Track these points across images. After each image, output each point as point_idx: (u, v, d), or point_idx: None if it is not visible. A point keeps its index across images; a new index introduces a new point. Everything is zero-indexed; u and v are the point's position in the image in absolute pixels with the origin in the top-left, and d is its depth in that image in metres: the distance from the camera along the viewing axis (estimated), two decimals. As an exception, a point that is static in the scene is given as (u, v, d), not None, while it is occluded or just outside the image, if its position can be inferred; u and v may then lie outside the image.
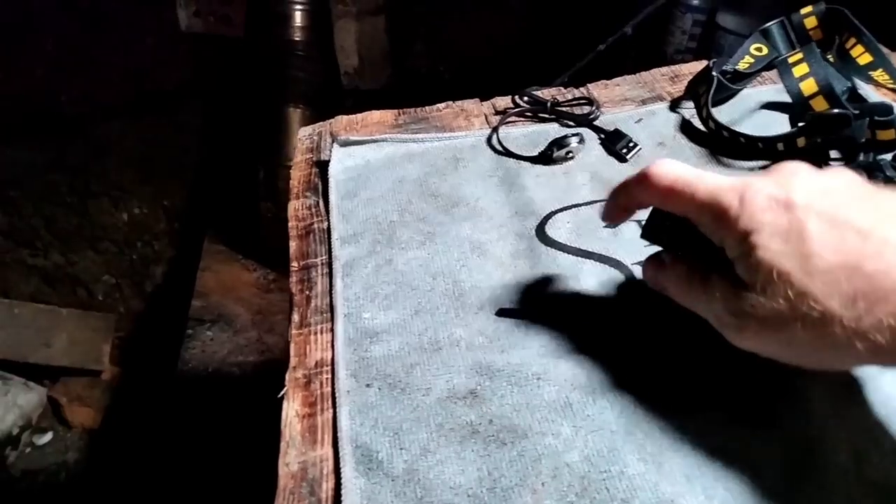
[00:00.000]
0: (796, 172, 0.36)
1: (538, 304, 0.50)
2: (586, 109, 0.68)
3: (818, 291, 0.32)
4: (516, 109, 0.69)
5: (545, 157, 0.62)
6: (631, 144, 0.63)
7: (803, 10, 0.70)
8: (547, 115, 0.68)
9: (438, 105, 0.73)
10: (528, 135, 0.66)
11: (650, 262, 0.45)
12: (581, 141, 0.62)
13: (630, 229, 0.55)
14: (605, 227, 0.55)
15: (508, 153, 0.64)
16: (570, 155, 0.62)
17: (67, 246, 1.95)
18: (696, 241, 0.39)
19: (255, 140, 1.60)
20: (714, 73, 0.64)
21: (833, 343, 0.32)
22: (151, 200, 1.87)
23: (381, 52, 1.63)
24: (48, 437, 1.96)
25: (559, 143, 0.61)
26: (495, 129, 0.66)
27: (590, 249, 0.53)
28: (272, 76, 1.55)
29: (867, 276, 0.31)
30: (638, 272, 0.50)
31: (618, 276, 0.51)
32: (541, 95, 0.70)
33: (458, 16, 1.59)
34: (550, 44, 1.54)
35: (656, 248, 0.45)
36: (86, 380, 2.00)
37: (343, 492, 0.39)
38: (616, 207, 0.45)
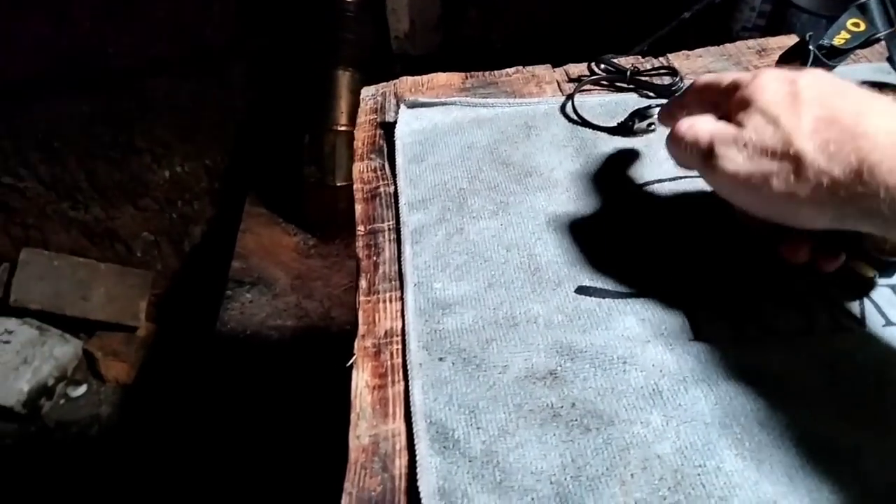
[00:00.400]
0: (808, 70, 0.41)
1: (621, 284, 0.47)
2: (667, 80, 0.64)
3: (799, 133, 0.37)
4: (592, 77, 0.65)
5: (625, 129, 0.59)
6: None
7: (904, -15, 0.66)
8: (625, 85, 0.64)
9: (508, 70, 0.70)
10: (605, 104, 0.63)
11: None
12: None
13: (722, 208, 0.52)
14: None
15: (585, 122, 0.61)
16: (652, 127, 0.58)
17: (108, 201, 1.95)
18: None
19: (302, 102, 1.57)
20: (811, 48, 0.60)
21: (801, 185, 0.37)
22: (194, 159, 1.85)
23: (434, 18, 1.58)
24: (82, 389, 1.98)
25: (641, 113, 0.58)
26: (570, 97, 0.63)
27: (678, 225, 0.50)
28: (322, 37, 1.52)
29: (841, 127, 0.36)
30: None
31: (707, 253, 0.48)
32: (619, 63, 0.67)
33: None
34: (605, 14, 1.49)
35: None
36: (121, 335, 2.01)
37: (419, 470, 0.37)
38: (669, 113, 0.49)
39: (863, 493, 0.34)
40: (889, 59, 0.58)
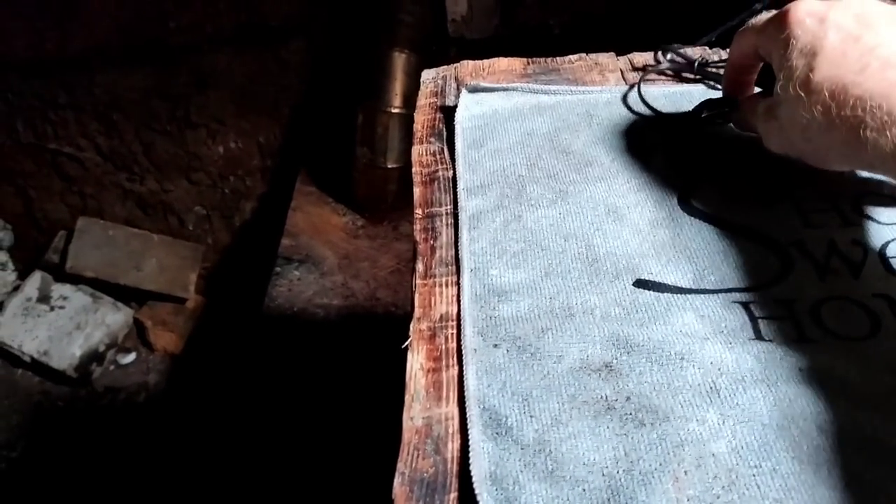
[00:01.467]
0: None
1: (680, 279, 0.46)
2: (734, 73, 0.63)
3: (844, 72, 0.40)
4: (658, 66, 0.64)
5: (694, 119, 0.58)
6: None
7: None
8: (692, 76, 0.63)
9: (570, 56, 0.69)
10: (670, 95, 0.62)
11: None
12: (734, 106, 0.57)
13: (785, 208, 0.50)
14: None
15: (654, 112, 0.60)
16: (719, 120, 0.57)
17: (163, 174, 1.99)
18: None
19: (356, 83, 1.58)
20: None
21: (843, 119, 0.40)
22: (248, 135, 1.88)
23: (491, 1, 1.58)
24: (132, 357, 2.03)
25: (711, 104, 0.57)
26: (634, 86, 0.62)
27: (739, 223, 0.49)
28: (379, 18, 1.53)
29: (871, 50, 0.40)
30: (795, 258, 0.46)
31: (769, 252, 0.47)
32: (686, 53, 0.65)
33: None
34: (663, 6, 1.47)
35: None
36: (171, 305, 2.06)
37: (471, 454, 0.37)
38: (731, 70, 0.54)
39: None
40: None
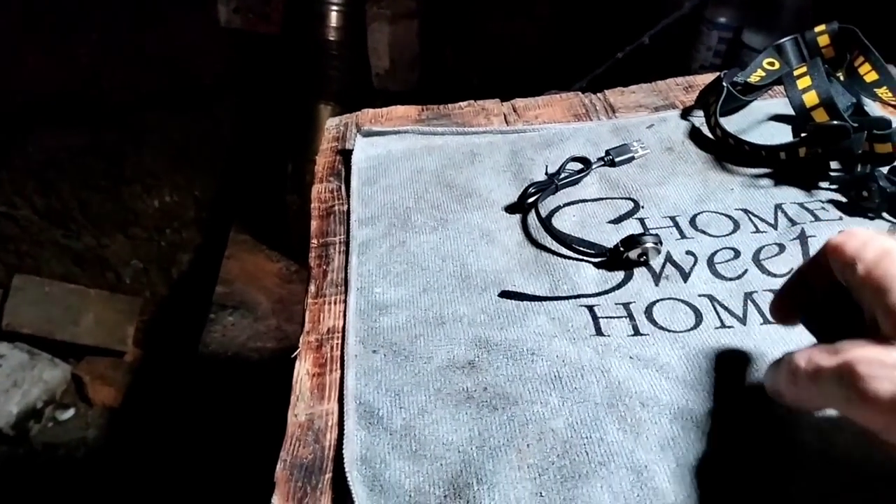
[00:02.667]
0: None
1: (539, 289, 0.53)
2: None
3: None
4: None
5: (615, 259, 0.55)
6: (640, 147, 0.66)
7: (817, 28, 0.73)
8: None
9: (461, 103, 0.77)
10: (545, 135, 0.70)
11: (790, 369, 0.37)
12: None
13: (632, 225, 0.58)
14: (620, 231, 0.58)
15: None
16: (644, 258, 0.55)
17: (99, 229, 2.01)
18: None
19: (286, 135, 1.64)
20: (724, 84, 0.67)
21: None
22: (183, 189, 1.92)
23: (412, 56, 1.67)
24: (70, 412, 2.02)
25: (632, 241, 0.54)
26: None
27: (592, 240, 0.56)
28: (306, 73, 1.60)
29: None
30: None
31: (615, 263, 0.54)
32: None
33: (488, 23, 1.63)
34: (575, 52, 1.57)
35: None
36: (109, 359, 2.06)
37: (345, 441, 0.42)
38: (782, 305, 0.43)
39: (724, 458, 0.40)
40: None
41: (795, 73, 0.63)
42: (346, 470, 0.41)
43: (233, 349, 1.44)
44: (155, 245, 2.02)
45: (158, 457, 1.67)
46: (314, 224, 0.61)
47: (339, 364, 0.48)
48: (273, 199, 1.66)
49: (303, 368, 0.48)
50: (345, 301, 0.53)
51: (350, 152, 0.69)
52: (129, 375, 2.04)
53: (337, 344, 0.50)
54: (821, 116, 0.60)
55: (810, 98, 0.61)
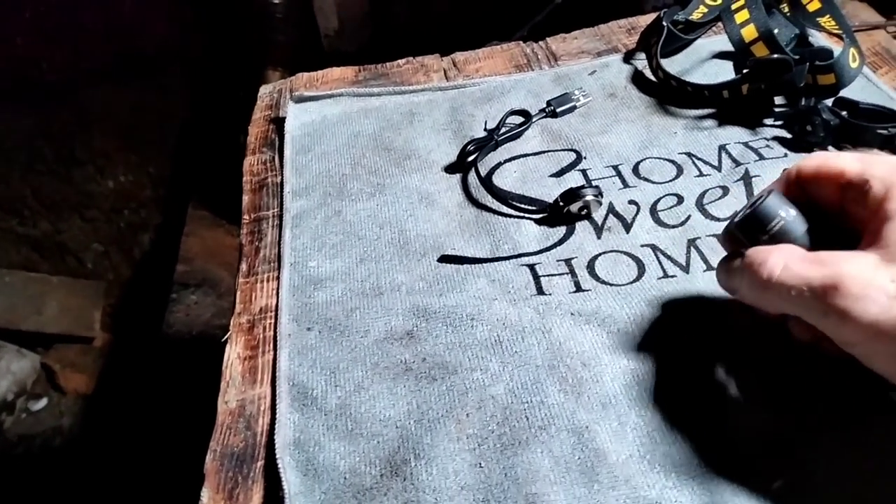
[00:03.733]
0: None
1: (479, 251, 0.51)
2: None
3: None
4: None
5: (555, 214, 0.54)
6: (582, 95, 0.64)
7: (758, -40, 0.71)
8: (501, 69, 0.69)
9: (399, 61, 0.74)
10: (485, 89, 0.67)
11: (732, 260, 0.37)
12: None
13: (574, 178, 0.56)
14: (552, 175, 0.56)
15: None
16: (585, 212, 0.53)
17: (55, 214, 1.96)
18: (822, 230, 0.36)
19: (236, 104, 1.60)
20: (664, 23, 0.65)
21: None
22: (136, 167, 1.87)
23: (361, 14, 1.62)
24: (43, 402, 1.99)
25: (571, 195, 0.52)
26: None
27: (534, 196, 0.54)
28: (251, 39, 1.55)
29: None
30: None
31: (556, 218, 0.52)
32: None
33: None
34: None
35: None
36: (78, 346, 2.02)
37: (277, 426, 0.41)
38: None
39: (665, 416, 0.39)
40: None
41: (733, 6, 0.61)
42: (278, 456, 0.39)
43: (197, 328, 1.42)
44: (114, 227, 1.97)
45: (134, 442, 1.66)
46: (246, 199, 0.59)
47: (272, 345, 0.46)
48: (228, 172, 1.63)
49: (233, 352, 0.46)
50: (278, 278, 0.51)
51: (283, 120, 0.66)
52: (100, 361, 2.01)
53: (270, 324, 0.48)
54: (761, 51, 0.58)
55: (749, 32, 0.59)
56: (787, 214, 0.36)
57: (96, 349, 2.02)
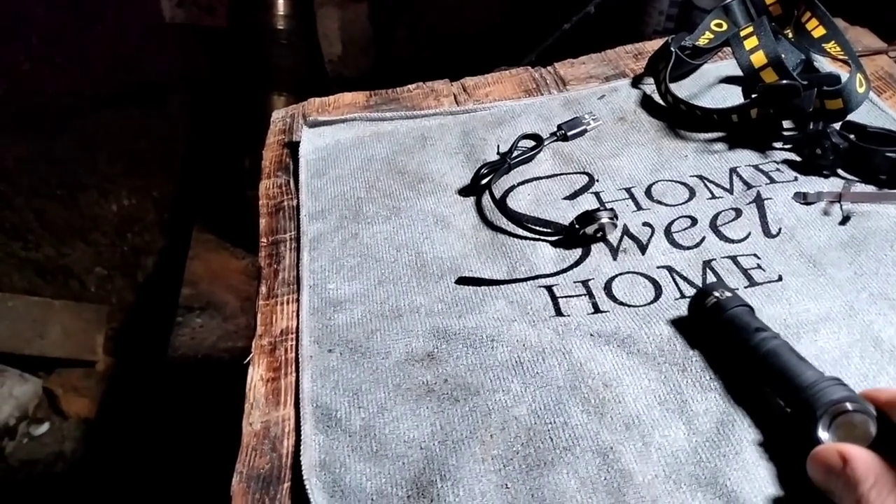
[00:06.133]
0: None
1: (496, 273, 0.52)
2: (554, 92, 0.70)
3: None
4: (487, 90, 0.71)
5: (570, 236, 0.54)
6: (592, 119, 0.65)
7: (763, -13, 0.72)
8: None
9: (409, 86, 0.75)
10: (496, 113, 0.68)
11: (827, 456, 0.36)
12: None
13: (588, 200, 0.57)
14: (564, 198, 0.57)
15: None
16: (600, 234, 0.54)
17: (59, 238, 1.97)
18: None
19: (241, 129, 1.61)
20: (672, 49, 0.66)
21: None
22: (140, 191, 1.88)
23: (364, 40, 1.64)
24: (45, 427, 1.98)
25: (587, 218, 0.53)
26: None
27: (548, 218, 0.55)
28: (256, 65, 1.57)
29: None
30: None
31: (572, 240, 0.53)
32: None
33: (440, 1, 1.61)
34: (527, 26, 1.56)
35: None
36: (81, 370, 2.02)
37: (302, 447, 0.41)
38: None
39: (688, 436, 0.39)
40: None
41: (742, 33, 0.62)
42: (305, 477, 0.39)
43: (203, 351, 1.42)
44: (117, 251, 1.97)
45: (138, 466, 1.65)
46: (263, 222, 0.59)
47: (293, 366, 0.46)
48: (232, 196, 1.63)
49: (256, 374, 0.46)
50: (297, 300, 0.51)
51: (297, 144, 0.67)
52: (103, 385, 2.00)
53: (291, 346, 0.48)
54: (770, 76, 0.59)
55: (758, 58, 0.60)
56: None
57: (99, 373, 2.02)
